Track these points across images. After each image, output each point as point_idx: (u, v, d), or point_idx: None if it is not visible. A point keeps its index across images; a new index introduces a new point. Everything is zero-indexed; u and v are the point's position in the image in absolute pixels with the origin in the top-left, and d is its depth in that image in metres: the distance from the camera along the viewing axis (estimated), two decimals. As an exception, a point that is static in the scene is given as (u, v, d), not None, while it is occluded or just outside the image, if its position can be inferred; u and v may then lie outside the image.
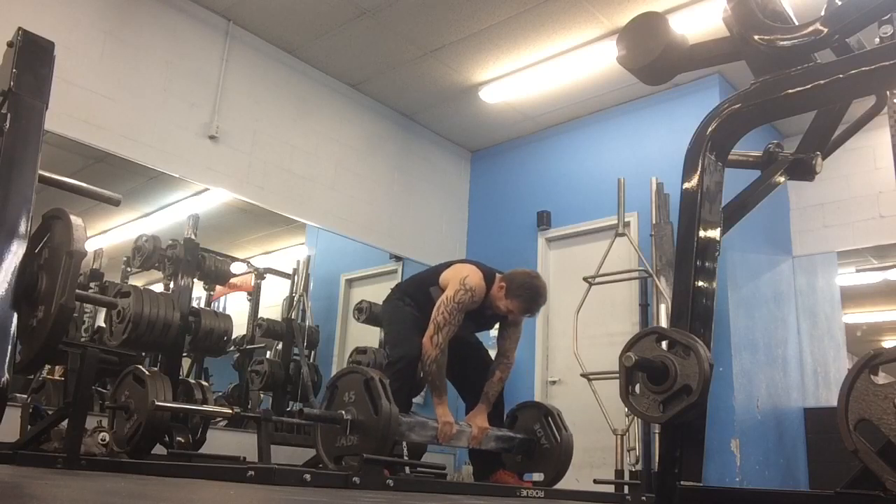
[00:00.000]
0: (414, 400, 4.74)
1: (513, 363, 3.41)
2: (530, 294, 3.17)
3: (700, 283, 1.73)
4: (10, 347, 1.71)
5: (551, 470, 3.35)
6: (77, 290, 1.84)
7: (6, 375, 1.68)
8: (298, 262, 5.64)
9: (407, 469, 3.43)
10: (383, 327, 4.22)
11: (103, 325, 3.72)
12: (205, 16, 4.76)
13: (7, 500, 1.10)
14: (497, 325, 3.53)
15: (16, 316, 1.75)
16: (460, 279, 3.14)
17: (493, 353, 3.49)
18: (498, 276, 3.25)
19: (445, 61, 5.18)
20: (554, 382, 5.41)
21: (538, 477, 3.44)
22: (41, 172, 1.96)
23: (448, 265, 3.34)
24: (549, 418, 3.41)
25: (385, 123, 5.88)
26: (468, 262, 3.36)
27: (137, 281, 4.48)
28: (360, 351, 4.90)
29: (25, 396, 3.57)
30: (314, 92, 5.37)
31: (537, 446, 3.39)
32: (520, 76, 5.26)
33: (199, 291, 4.41)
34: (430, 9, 4.60)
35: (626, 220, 4.76)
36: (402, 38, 4.93)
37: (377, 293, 4.67)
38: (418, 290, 3.32)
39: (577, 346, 4.48)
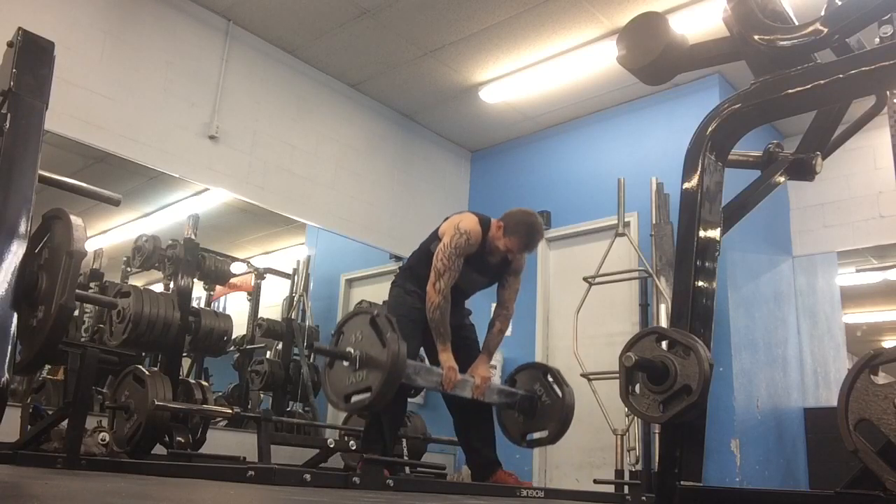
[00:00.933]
0: (413, 400, 4.75)
1: (512, 314, 3.43)
2: (527, 230, 3.22)
3: (700, 283, 1.73)
4: (10, 347, 1.71)
5: (554, 425, 3.33)
6: (77, 290, 1.84)
7: (6, 375, 1.68)
8: (298, 262, 5.64)
9: (407, 469, 3.43)
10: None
11: (103, 325, 3.72)
12: (205, 16, 4.75)
13: (7, 500, 1.10)
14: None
15: (16, 316, 1.75)
16: (454, 225, 3.21)
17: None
18: (494, 220, 3.30)
19: (445, 61, 5.18)
20: (554, 382, 5.40)
21: (541, 435, 3.43)
22: (41, 172, 1.95)
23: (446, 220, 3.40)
24: (550, 376, 3.41)
25: (385, 123, 5.88)
26: (464, 212, 3.44)
27: (137, 281, 4.48)
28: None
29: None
30: (314, 92, 5.37)
31: (539, 403, 3.38)
32: (520, 76, 5.26)
33: (199, 291, 4.41)
34: (430, 9, 4.60)
35: (626, 220, 4.75)
36: (402, 38, 4.93)
37: (377, 293, 4.67)
38: (420, 261, 3.32)
39: (577, 346, 4.48)
